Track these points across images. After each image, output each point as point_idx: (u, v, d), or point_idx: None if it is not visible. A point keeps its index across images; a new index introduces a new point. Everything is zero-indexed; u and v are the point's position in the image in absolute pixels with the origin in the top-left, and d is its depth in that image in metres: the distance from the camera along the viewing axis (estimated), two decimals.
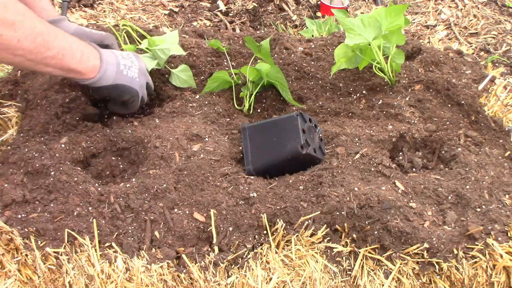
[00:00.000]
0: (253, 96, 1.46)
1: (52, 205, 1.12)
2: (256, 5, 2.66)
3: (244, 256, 1.10)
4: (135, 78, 1.30)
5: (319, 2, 2.68)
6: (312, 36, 2.12)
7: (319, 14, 2.65)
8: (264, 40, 1.47)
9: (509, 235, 1.12)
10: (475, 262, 1.09)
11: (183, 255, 1.07)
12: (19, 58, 1.06)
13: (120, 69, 1.27)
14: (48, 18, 1.37)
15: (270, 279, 1.08)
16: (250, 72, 1.43)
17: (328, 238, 1.13)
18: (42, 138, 1.28)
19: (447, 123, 1.43)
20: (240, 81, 1.50)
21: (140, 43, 1.54)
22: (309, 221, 1.13)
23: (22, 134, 1.30)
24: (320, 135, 1.31)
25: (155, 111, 1.45)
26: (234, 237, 1.10)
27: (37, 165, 1.18)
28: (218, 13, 2.63)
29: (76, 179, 1.17)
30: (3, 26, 0.99)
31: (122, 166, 1.31)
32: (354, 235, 1.13)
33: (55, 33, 1.11)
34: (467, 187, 1.23)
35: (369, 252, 1.12)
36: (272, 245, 1.11)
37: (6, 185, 1.14)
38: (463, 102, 1.47)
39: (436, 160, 1.36)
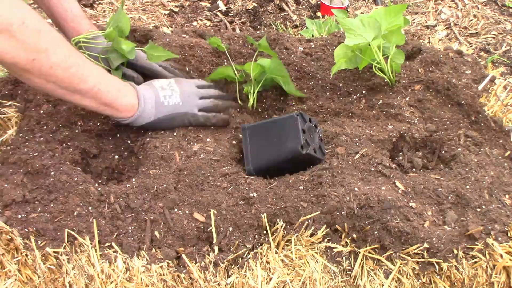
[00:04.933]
0: (256, 92, 1.46)
1: (52, 205, 1.12)
2: (256, 5, 2.66)
3: (244, 256, 1.10)
4: (177, 104, 1.29)
5: (319, 2, 2.68)
6: (312, 36, 2.12)
7: (319, 14, 2.65)
8: (261, 39, 1.48)
9: (509, 235, 1.13)
10: (475, 262, 1.09)
11: (183, 255, 1.07)
12: (51, 85, 1.07)
13: (160, 102, 1.27)
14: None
15: (270, 279, 1.08)
16: (254, 68, 1.43)
17: (328, 238, 1.13)
18: (42, 138, 1.28)
19: (447, 123, 1.43)
20: (242, 79, 1.50)
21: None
22: (309, 221, 1.13)
23: (21, 134, 1.30)
24: (320, 135, 1.31)
25: None
26: (234, 237, 1.10)
27: (37, 165, 1.18)
28: (218, 13, 2.63)
29: (76, 179, 1.17)
30: (36, 52, 1.01)
31: (122, 166, 1.32)
32: (354, 235, 1.13)
33: (91, 67, 1.12)
34: (467, 187, 1.23)
35: (369, 252, 1.12)
36: (272, 245, 1.11)
37: (6, 185, 1.14)
38: (463, 102, 1.48)
39: (436, 160, 1.36)
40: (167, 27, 2.44)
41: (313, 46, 1.72)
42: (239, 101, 1.47)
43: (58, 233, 1.07)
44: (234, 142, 1.36)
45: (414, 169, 1.33)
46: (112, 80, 1.18)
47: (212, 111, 1.37)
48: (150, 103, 1.25)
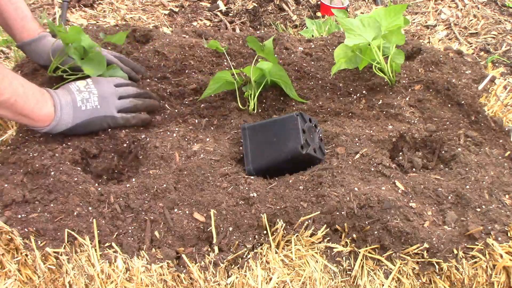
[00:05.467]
0: (256, 95, 1.46)
1: (52, 205, 1.12)
2: (256, 5, 2.66)
3: (244, 256, 1.10)
4: (95, 107, 1.28)
5: (319, 2, 2.68)
6: (312, 36, 2.12)
7: (319, 14, 2.65)
8: (268, 40, 1.47)
9: (509, 235, 1.13)
10: (475, 262, 1.09)
11: (183, 255, 1.07)
12: None
13: (78, 106, 1.26)
14: (29, 37, 1.39)
15: (270, 279, 1.08)
16: (254, 71, 1.43)
17: (328, 238, 1.13)
18: (42, 138, 1.28)
19: (447, 123, 1.43)
20: (242, 81, 1.50)
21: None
22: (309, 221, 1.13)
23: (21, 134, 1.30)
24: (320, 135, 1.31)
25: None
26: (234, 237, 1.10)
27: (37, 165, 1.18)
28: (218, 13, 2.63)
29: (76, 179, 1.17)
30: None
31: (122, 166, 1.32)
32: (354, 235, 1.13)
33: (10, 79, 1.13)
34: (467, 187, 1.23)
35: (369, 252, 1.12)
36: (272, 245, 1.11)
37: (6, 185, 1.14)
38: (463, 102, 1.48)
39: (436, 160, 1.36)
40: (167, 27, 2.44)
41: (313, 46, 1.72)
42: (239, 105, 1.46)
43: (58, 233, 1.07)
44: (234, 142, 1.36)
45: (414, 169, 1.33)
46: (30, 90, 1.18)
47: (131, 111, 1.35)
48: (67, 110, 1.25)
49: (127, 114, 1.34)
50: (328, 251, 1.13)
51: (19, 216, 1.09)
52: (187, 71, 1.58)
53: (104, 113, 1.30)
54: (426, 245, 1.09)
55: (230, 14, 2.63)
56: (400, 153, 1.37)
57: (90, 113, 1.28)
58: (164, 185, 1.17)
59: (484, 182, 1.23)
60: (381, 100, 1.49)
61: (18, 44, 1.41)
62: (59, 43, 1.39)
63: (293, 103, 1.49)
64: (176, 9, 2.64)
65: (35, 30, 1.40)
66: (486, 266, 1.09)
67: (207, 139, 1.34)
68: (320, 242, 1.13)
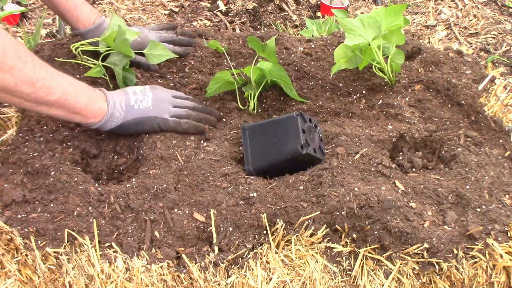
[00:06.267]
0: (256, 95, 1.46)
1: (52, 205, 1.12)
2: (256, 5, 2.66)
3: (244, 256, 1.10)
4: (148, 108, 1.29)
5: (319, 2, 2.68)
6: (312, 36, 2.12)
7: (319, 14, 2.65)
8: (270, 40, 1.47)
9: (509, 235, 1.13)
10: (475, 262, 1.09)
11: (183, 255, 1.07)
12: (17, 99, 1.08)
13: (130, 105, 1.27)
14: (84, 27, 1.43)
15: (270, 279, 1.08)
16: (254, 72, 1.43)
17: (328, 238, 1.13)
18: (42, 138, 1.28)
19: (447, 123, 1.43)
20: (242, 81, 1.50)
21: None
22: (309, 221, 1.13)
23: (21, 134, 1.30)
24: (320, 135, 1.31)
25: None
26: (234, 237, 1.10)
27: (37, 165, 1.18)
28: (218, 13, 2.63)
29: (76, 179, 1.17)
30: (1, 71, 1.02)
31: (122, 166, 1.31)
32: (354, 235, 1.13)
33: (59, 79, 1.14)
34: (467, 187, 1.23)
35: (369, 252, 1.12)
36: (272, 245, 1.11)
37: (6, 185, 1.14)
38: (463, 102, 1.48)
39: (436, 160, 1.36)
40: None
41: (313, 46, 1.72)
42: (239, 105, 1.46)
43: (58, 233, 1.07)
44: (234, 142, 1.36)
45: (414, 169, 1.33)
46: (80, 88, 1.19)
47: (184, 119, 1.35)
48: (119, 107, 1.25)
49: (180, 119, 1.34)
50: (328, 251, 1.13)
51: (19, 216, 1.09)
52: (187, 71, 1.58)
53: (156, 114, 1.30)
54: (426, 245, 1.09)
55: (230, 14, 2.63)
56: (400, 153, 1.37)
57: (142, 112, 1.28)
58: (164, 185, 1.17)
59: (484, 182, 1.23)
60: (381, 100, 1.49)
61: (75, 32, 1.46)
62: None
63: (293, 103, 1.49)
64: (176, 9, 2.64)
65: (89, 18, 1.43)
66: (486, 266, 1.09)
67: (207, 139, 1.34)
68: (320, 242, 1.13)
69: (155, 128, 1.31)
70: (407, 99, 1.49)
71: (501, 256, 1.09)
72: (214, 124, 1.40)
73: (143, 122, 1.29)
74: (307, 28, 2.42)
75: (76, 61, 1.45)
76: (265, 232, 1.12)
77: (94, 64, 1.43)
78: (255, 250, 1.11)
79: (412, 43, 1.74)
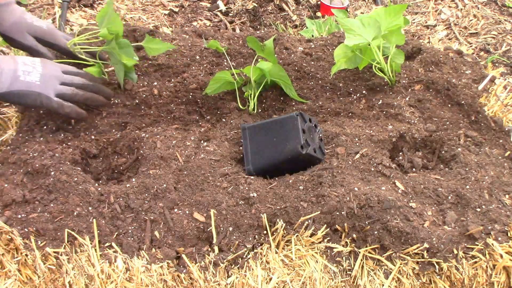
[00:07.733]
0: (256, 95, 1.45)
1: (52, 205, 1.12)
2: (256, 5, 2.66)
3: (244, 256, 1.10)
4: (34, 82, 1.26)
5: (319, 2, 2.68)
6: (312, 36, 2.12)
7: (319, 14, 2.65)
8: (268, 40, 1.47)
9: (509, 235, 1.13)
10: (475, 262, 1.09)
11: (183, 255, 1.07)
12: None
13: (17, 75, 1.24)
14: None
15: (270, 279, 1.08)
16: (254, 72, 1.43)
17: (328, 238, 1.13)
18: (42, 138, 1.28)
19: (447, 123, 1.43)
20: (242, 81, 1.50)
21: None
22: (309, 221, 1.13)
23: (21, 134, 1.30)
24: (320, 135, 1.31)
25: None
26: (234, 237, 1.10)
27: (37, 165, 1.18)
28: (218, 13, 2.63)
29: (76, 179, 1.17)
30: None
31: (122, 166, 1.31)
32: (354, 235, 1.13)
33: None
34: (467, 187, 1.23)
35: (369, 252, 1.12)
36: (272, 245, 1.11)
37: (6, 185, 1.14)
38: (463, 102, 1.48)
39: (436, 160, 1.36)
40: (167, 27, 2.44)
41: (313, 46, 1.72)
42: (239, 105, 1.46)
43: (58, 233, 1.07)
44: (234, 142, 1.36)
45: (414, 169, 1.33)
46: None
47: (70, 99, 1.32)
48: (5, 74, 1.23)
49: (64, 102, 1.30)
50: (328, 251, 1.13)
51: (19, 216, 1.09)
52: (187, 70, 1.58)
53: (40, 91, 1.27)
54: (426, 245, 1.09)
55: (230, 14, 2.63)
56: (400, 153, 1.37)
57: (27, 85, 1.25)
58: (164, 185, 1.17)
59: (484, 182, 1.23)
60: (381, 100, 1.49)
61: None
62: (22, 18, 1.36)
63: (293, 103, 1.49)
64: (176, 9, 2.64)
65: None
66: (486, 266, 1.09)
67: (207, 139, 1.34)
68: (320, 242, 1.13)
69: (38, 105, 1.29)
70: (407, 99, 1.49)
71: (501, 256, 1.09)
72: (102, 104, 1.38)
73: (27, 95, 1.26)
74: (307, 28, 2.42)
75: (76, 61, 1.45)
76: (265, 232, 1.12)
77: (94, 64, 1.43)
78: (255, 250, 1.11)
79: (412, 43, 1.74)
